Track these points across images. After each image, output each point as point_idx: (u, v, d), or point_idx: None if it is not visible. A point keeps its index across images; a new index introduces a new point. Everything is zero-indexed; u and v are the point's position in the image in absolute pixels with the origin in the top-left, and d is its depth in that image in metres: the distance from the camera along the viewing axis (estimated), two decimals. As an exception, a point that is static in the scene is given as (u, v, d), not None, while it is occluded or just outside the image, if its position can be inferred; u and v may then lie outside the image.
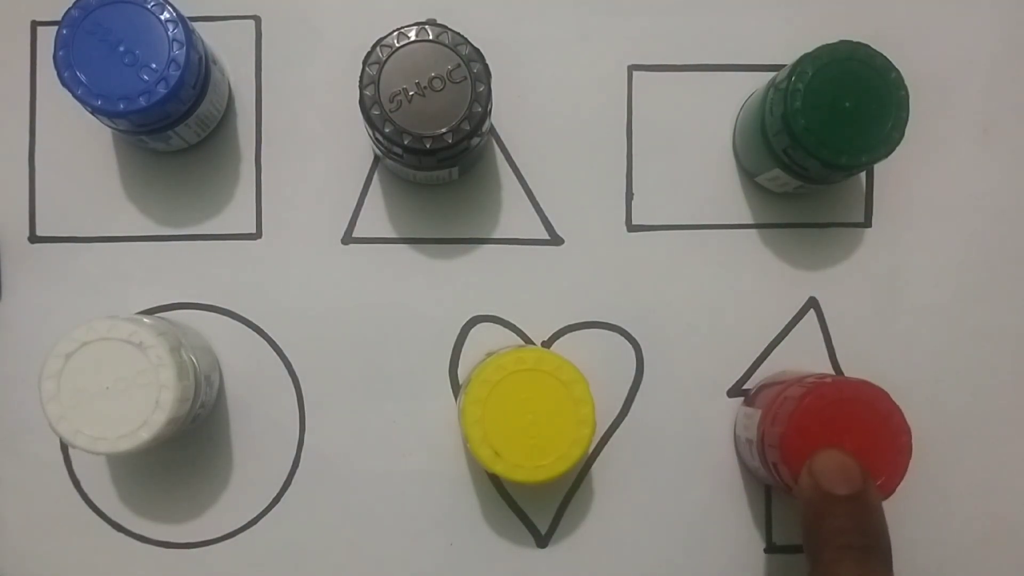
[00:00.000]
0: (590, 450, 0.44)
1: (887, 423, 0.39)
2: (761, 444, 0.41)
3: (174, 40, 0.39)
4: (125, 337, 0.38)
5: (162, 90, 0.39)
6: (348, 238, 0.46)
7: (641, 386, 0.46)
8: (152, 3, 0.39)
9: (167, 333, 0.39)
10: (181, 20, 0.40)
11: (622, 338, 0.46)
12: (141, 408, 0.38)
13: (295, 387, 0.46)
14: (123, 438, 0.38)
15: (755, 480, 0.46)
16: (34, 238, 0.46)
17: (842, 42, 0.40)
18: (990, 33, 0.47)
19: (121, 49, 0.39)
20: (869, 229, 0.47)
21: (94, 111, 0.40)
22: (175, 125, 0.42)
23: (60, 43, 0.39)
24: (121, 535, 0.45)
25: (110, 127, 0.42)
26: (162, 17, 0.39)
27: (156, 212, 0.46)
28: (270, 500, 0.45)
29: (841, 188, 0.46)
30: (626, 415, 0.46)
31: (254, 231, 0.46)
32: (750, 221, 0.46)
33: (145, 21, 0.39)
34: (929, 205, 0.47)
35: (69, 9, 0.39)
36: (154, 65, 0.39)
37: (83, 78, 0.39)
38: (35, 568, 0.45)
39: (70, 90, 0.39)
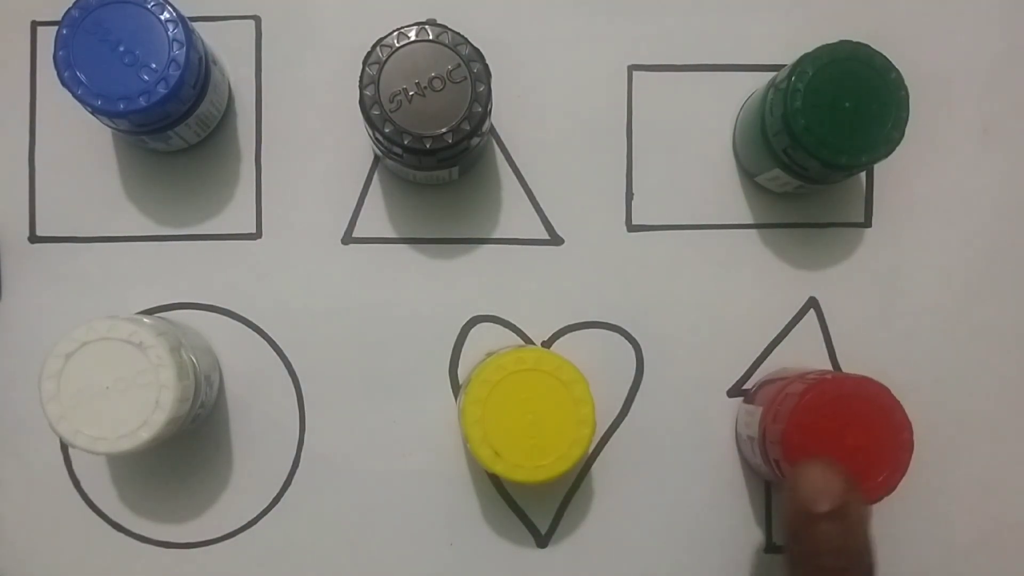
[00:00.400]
0: (590, 450, 0.44)
1: (889, 419, 0.39)
2: (763, 441, 0.41)
3: (174, 40, 0.39)
4: (125, 337, 0.38)
5: (162, 90, 0.39)
6: (348, 238, 0.46)
7: (641, 386, 0.46)
8: (152, 3, 0.39)
9: (167, 333, 0.39)
10: (181, 20, 0.40)
11: (622, 338, 0.46)
12: (141, 408, 0.38)
13: (295, 387, 0.46)
14: (123, 438, 0.38)
15: (755, 480, 0.46)
16: (34, 238, 0.46)
17: (842, 42, 0.40)
18: (990, 33, 0.47)
19: (121, 49, 0.39)
20: (869, 229, 0.47)
21: (94, 111, 0.40)
22: (175, 125, 0.42)
23: (60, 43, 0.39)
24: (121, 535, 0.45)
25: (110, 127, 0.42)
26: (162, 17, 0.39)
27: (156, 212, 0.46)
28: (270, 500, 0.45)
29: (841, 188, 0.46)
30: (626, 415, 0.46)
31: (254, 231, 0.46)
32: (750, 221, 0.46)
33: (145, 21, 0.39)
34: (929, 205, 0.47)
35: (69, 9, 0.39)
36: (154, 65, 0.39)
37: (83, 78, 0.39)
38: (35, 568, 0.45)
39: (70, 90, 0.39)
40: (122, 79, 0.39)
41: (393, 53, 0.39)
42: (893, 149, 0.40)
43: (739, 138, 0.46)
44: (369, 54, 0.39)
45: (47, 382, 0.38)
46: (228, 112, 0.46)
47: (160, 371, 0.38)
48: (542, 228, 0.46)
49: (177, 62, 0.39)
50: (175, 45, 0.39)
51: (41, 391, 0.38)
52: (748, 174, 0.46)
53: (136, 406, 0.38)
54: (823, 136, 0.40)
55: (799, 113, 0.40)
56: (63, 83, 0.39)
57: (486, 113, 0.39)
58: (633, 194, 0.46)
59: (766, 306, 0.46)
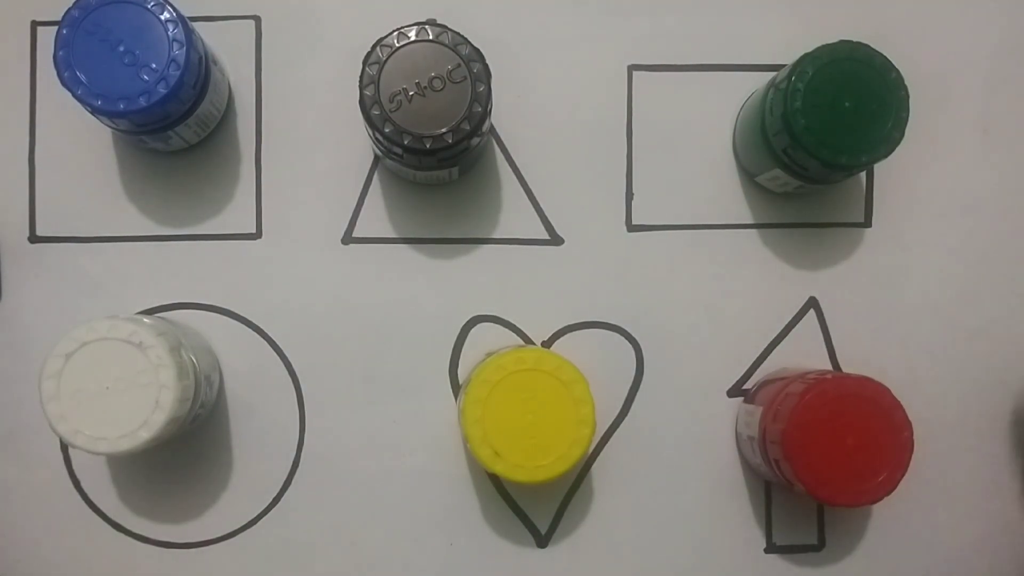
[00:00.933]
0: (590, 450, 0.44)
1: (889, 419, 0.39)
2: (763, 441, 0.41)
3: (174, 40, 0.39)
4: (125, 337, 0.38)
5: (162, 90, 0.39)
6: (348, 238, 0.46)
7: (641, 386, 0.46)
8: (152, 3, 0.39)
9: (167, 333, 0.39)
10: (181, 20, 0.40)
11: (622, 338, 0.46)
12: (141, 408, 0.38)
13: (295, 387, 0.46)
14: (123, 438, 0.38)
15: (755, 480, 0.46)
16: (34, 238, 0.46)
17: (842, 42, 0.40)
18: (990, 33, 0.47)
19: (121, 49, 0.39)
20: (869, 229, 0.47)
21: (94, 111, 0.40)
22: (175, 125, 0.42)
23: (60, 43, 0.39)
24: (121, 535, 0.45)
25: (110, 127, 0.42)
26: (162, 17, 0.39)
27: (156, 212, 0.46)
28: (270, 500, 0.45)
29: (841, 188, 0.46)
30: (626, 415, 0.46)
31: (254, 231, 0.46)
32: (750, 221, 0.46)
33: (145, 21, 0.39)
34: (929, 205, 0.47)
35: (69, 9, 0.39)
36: (154, 65, 0.39)
37: (83, 78, 0.39)
38: (35, 568, 0.45)
39: (70, 90, 0.39)
40: (122, 79, 0.39)
41: (393, 53, 0.39)
42: (893, 149, 0.40)
43: (739, 138, 0.46)
44: (369, 54, 0.39)
45: (47, 382, 0.38)
46: (228, 112, 0.46)
47: (160, 371, 0.38)
48: (542, 228, 0.46)
49: (177, 62, 0.39)
50: (175, 45, 0.39)
51: (41, 391, 0.38)
52: (748, 174, 0.46)
53: (136, 406, 0.38)
54: (823, 136, 0.40)
55: (799, 113, 0.40)
56: (63, 83, 0.39)
57: (486, 113, 0.39)
58: (633, 194, 0.46)
59: (766, 306, 0.46)
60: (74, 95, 0.39)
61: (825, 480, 0.39)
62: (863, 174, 0.47)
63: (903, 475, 0.39)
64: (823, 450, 0.39)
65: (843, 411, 0.39)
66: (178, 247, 0.46)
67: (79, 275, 0.45)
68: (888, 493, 0.39)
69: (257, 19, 0.46)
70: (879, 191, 0.47)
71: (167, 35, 0.39)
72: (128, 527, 0.45)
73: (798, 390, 0.40)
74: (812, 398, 0.39)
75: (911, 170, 0.46)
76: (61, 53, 0.39)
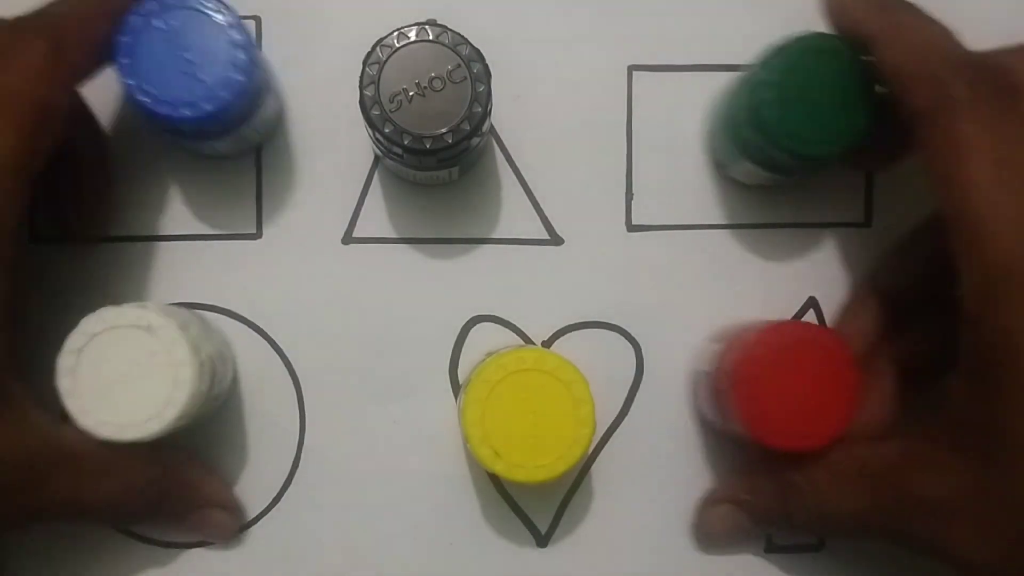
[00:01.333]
0: (590, 450, 0.44)
1: (838, 365, 0.40)
2: (715, 374, 0.41)
3: (237, 53, 0.39)
4: (133, 322, 0.38)
5: (224, 96, 0.39)
6: (348, 238, 0.46)
7: (641, 386, 0.46)
8: (219, 15, 0.39)
9: (174, 314, 0.39)
10: (248, 46, 0.39)
11: (622, 338, 0.46)
12: (161, 388, 0.38)
13: (295, 387, 0.46)
14: (150, 420, 0.37)
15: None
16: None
17: (811, 33, 0.40)
18: (989, 33, 0.47)
19: (187, 57, 0.39)
20: (869, 229, 0.47)
21: (156, 118, 0.39)
22: (221, 136, 0.42)
23: (123, 52, 0.39)
24: (121, 535, 0.45)
25: (162, 131, 0.42)
26: (232, 36, 0.39)
27: (156, 212, 0.46)
28: (270, 500, 0.45)
29: (841, 188, 0.46)
30: (626, 415, 0.46)
31: (254, 231, 0.46)
32: (750, 221, 0.46)
33: (211, 31, 0.39)
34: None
35: (130, 15, 0.39)
36: (208, 79, 0.39)
37: (149, 87, 0.38)
38: (35, 568, 0.45)
39: (134, 98, 0.39)
40: (182, 86, 0.39)
41: (393, 53, 0.39)
42: (863, 139, 0.40)
43: (709, 131, 0.45)
44: (369, 54, 0.39)
45: (63, 379, 0.38)
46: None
47: (174, 349, 0.38)
48: (542, 228, 0.46)
49: (239, 70, 0.39)
50: (237, 62, 0.39)
51: (59, 388, 0.38)
52: (719, 167, 0.46)
53: (156, 387, 0.38)
54: (792, 128, 0.39)
55: (768, 104, 0.39)
56: (128, 92, 0.38)
57: (486, 113, 0.39)
58: (633, 194, 0.46)
59: (766, 306, 0.46)
60: (135, 101, 0.39)
61: (768, 420, 0.39)
62: (863, 174, 0.47)
63: (850, 420, 0.40)
64: (771, 389, 0.39)
65: (798, 357, 0.40)
66: (178, 247, 0.46)
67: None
68: (833, 438, 0.39)
69: (257, 19, 0.46)
70: (879, 191, 0.47)
71: (231, 51, 0.39)
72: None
73: (760, 328, 0.40)
74: (769, 335, 0.40)
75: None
76: (126, 62, 0.39)
